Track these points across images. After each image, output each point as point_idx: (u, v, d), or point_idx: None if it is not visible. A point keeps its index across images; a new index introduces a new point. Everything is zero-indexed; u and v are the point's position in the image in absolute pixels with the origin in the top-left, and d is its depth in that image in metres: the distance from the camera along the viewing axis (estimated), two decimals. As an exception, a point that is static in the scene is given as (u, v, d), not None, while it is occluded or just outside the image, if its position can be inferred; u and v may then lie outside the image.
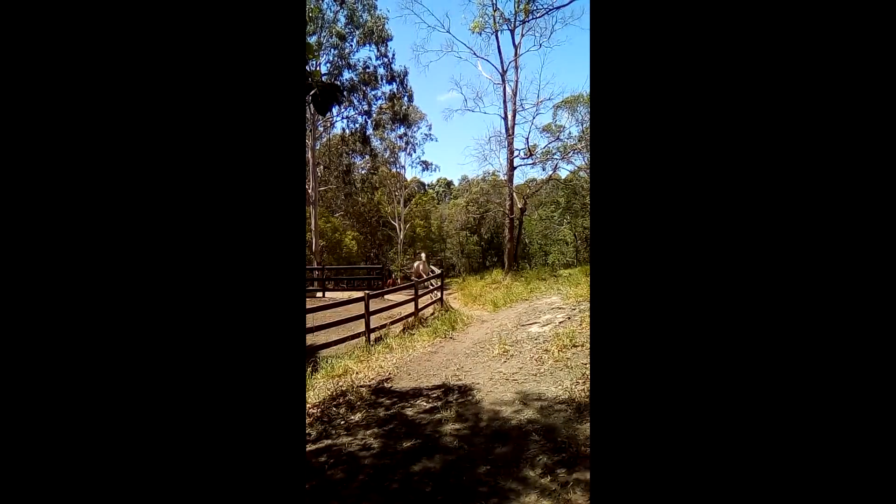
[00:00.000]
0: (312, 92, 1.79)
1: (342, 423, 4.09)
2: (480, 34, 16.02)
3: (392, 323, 8.51)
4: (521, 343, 6.18)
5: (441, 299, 11.20)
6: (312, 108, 1.89)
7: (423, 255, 13.94)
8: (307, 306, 9.17)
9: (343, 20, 19.79)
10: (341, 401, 4.62)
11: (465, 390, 4.55)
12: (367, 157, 23.96)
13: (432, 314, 10.01)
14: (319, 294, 12.91)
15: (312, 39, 17.99)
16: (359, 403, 4.48)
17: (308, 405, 4.65)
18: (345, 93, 19.81)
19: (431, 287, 11.28)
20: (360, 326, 8.00)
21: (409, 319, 8.93)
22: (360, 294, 8.31)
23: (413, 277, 13.17)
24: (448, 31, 29.99)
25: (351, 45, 20.02)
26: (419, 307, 9.48)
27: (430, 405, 4.25)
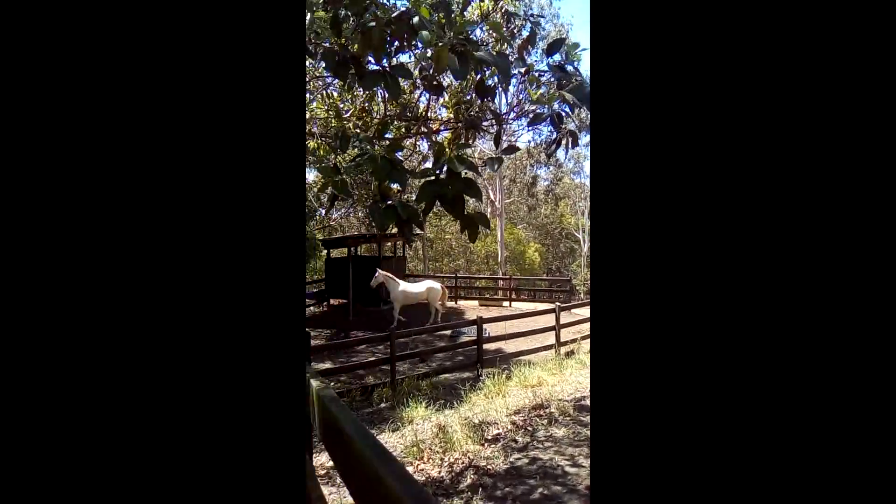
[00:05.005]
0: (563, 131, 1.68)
1: (546, 435, 3.94)
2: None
3: (583, 338, 8.09)
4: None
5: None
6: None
7: (378, 272, 10.46)
8: (493, 315, 9.39)
9: (526, 34, 20.09)
10: (543, 413, 4.47)
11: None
12: (551, 168, 23.76)
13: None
14: (506, 303, 13.13)
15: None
16: (562, 418, 4.27)
17: (507, 411, 4.63)
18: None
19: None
20: (548, 338, 7.82)
21: (602, 336, 8.37)
22: (548, 305, 8.13)
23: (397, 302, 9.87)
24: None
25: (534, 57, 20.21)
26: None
27: (647, 433, 3.80)
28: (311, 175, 15.62)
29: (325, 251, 13.60)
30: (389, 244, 13.71)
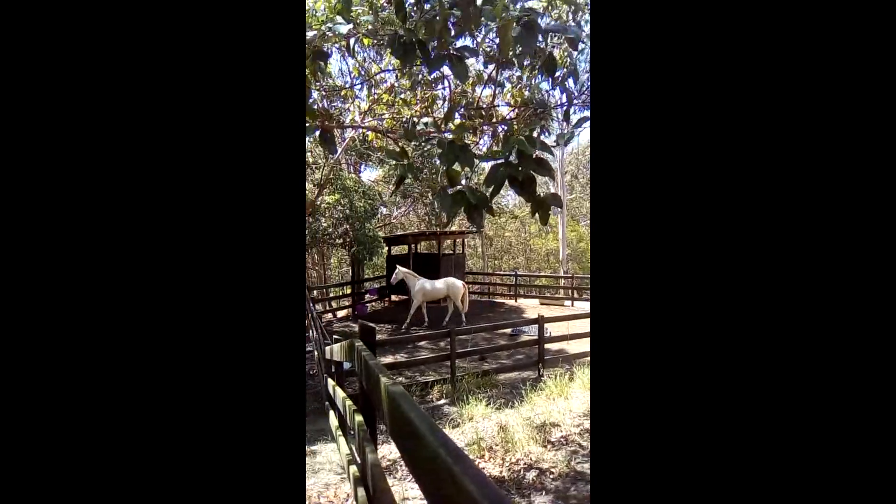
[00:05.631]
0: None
1: (614, 441, 3.73)
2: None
3: (652, 340, 7.66)
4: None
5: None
6: None
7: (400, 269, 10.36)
8: (555, 314, 9.10)
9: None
10: (610, 417, 4.25)
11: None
12: (617, 163, 23.00)
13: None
14: (568, 303, 12.77)
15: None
16: (631, 424, 4.03)
17: (571, 414, 4.45)
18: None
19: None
20: (614, 340, 7.48)
21: (672, 339, 7.91)
22: (615, 305, 7.75)
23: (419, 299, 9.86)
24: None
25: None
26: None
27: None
28: (375, 174, 16.02)
29: (387, 248, 13.87)
30: (449, 241, 13.75)
